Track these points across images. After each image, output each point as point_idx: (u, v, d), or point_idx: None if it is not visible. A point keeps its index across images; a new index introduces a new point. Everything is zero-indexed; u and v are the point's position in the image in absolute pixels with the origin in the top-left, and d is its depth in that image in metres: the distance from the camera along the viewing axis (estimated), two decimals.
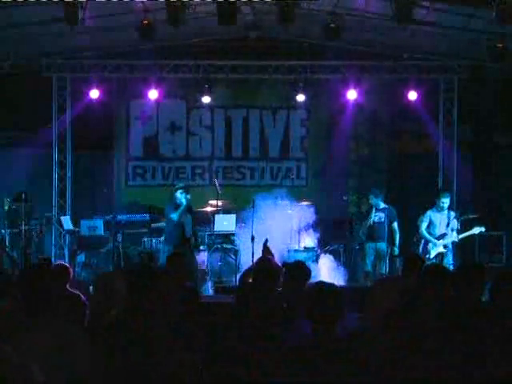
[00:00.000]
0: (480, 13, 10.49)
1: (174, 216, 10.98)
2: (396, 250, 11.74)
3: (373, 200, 11.68)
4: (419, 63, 13.98)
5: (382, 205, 11.71)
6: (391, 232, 11.62)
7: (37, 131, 14.02)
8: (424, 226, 11.59)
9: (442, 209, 11.57)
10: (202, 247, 12.09)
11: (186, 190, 11.22)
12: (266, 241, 7.11)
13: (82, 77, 14.12)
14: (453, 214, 11.73)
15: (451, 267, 11.35)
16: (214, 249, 11.90)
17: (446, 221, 11.56)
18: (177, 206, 11.08)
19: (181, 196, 11.09)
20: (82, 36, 12.34)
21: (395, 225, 11.66)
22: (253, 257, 10.57)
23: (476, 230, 11.66)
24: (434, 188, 13.59)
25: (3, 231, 12.46)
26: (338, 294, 4.03)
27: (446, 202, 11.57)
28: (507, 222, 13.81)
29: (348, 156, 14.89)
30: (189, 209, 11.18)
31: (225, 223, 12.18)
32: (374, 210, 11.63)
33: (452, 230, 11.54)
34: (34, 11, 10.79)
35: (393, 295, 5.62)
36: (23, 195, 12.56)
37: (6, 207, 12.68)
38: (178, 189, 11.21)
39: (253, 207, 11.22)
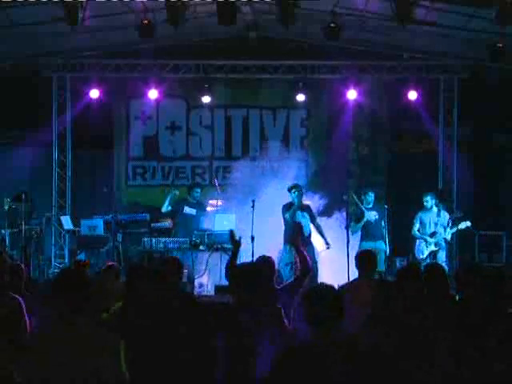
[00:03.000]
0: (480, 13, 10.49)
1: (287, 216, 11.19)
2: (387, 250, 11.75)
3: (365, 198, 11.69)
4: (419, 63, 14.00)
5: (372, 204, 11.72)
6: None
7: (37, 131, 14.02)
8: (416, 227, 11.76)
9: (426, 208, 11.71)
10: (201, 247, 12.07)
11: (298, 188, 11.32)
12: (232, 232, 6.94)
13: (81, 77, 14.14)
14: (443, 212, 11.84)
15: (444, 264, 11.42)
16: (213, 249, 11.88)
17: (436, 219, 11.69)
18: (290, 206, 11.25)
19: (293, 195, 11.27)
20: (82, 36, 12.35)
21: (383, 222, 11.65)
22: (253, 257, 10.57)
23: (462, 225, 11.77)
24: (434, 188, 13.59)
25: (3, 231, 12.45)
26: (336, 297, 3.96)
27: (428, 200, 11.72)
28: (507, 222, 13.81)
29: (348, 156, 14.88)
30: (303, 207, 11.32)
31: (225, 223, 12.15)
32: (365, 210, 11.63)
33: (444, 228, 11.65)
34: (34, 11, 10.79)
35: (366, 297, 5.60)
36: (23, 195, 12.55)
37: (6, 207, 12.68)
38: (290, 188, 11.35)
39: (252, 207, 11.20)
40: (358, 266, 6.85)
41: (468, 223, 11.77)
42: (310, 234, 11.29)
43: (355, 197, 11.88)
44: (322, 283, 4.12)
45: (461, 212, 12.44)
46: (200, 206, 12.48)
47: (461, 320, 4.69)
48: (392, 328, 4.68)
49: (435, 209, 11.78)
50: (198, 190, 12.50)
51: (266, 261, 6.10)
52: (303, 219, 11.26)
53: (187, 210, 12.36)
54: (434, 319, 4.79)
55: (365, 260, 6.87)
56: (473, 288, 5.13)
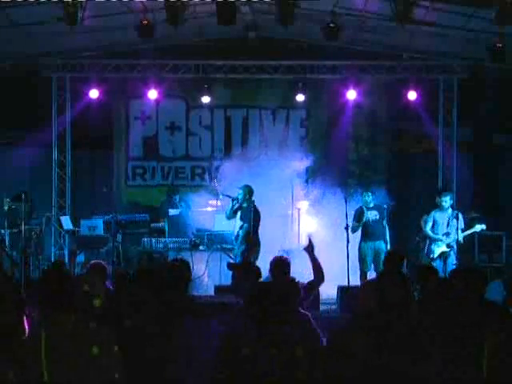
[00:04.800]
0: (480, 13, 10.48)
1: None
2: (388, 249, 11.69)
3: (366, 197, 11.65)
4: (419, 63, 13.99)
5: (373, 203, 11.67)
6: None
7: (37, 131, 14.02)
8: (429, 225, 11.60)
9: (443, 208, 11.57)
10: (201, 247, 12.10)
11: (240, 190, 11.59)
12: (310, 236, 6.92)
13: (81, 77, 14.14)
14: (460, 214, 11.72)
15: (454, 267, 11.32)
16: (213, 249, 11.89)
17: (450, 220, 11.56)
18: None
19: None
20: (81, 36, 12.33)
21: (384, 222, 11.62)
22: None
23: (477, 228, 11.69)
24: (434, 188, 13.59)
25: (3, 231, 12.44)
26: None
27: (446, 201, 11.56)
28: (507, 221, 13.80)
29: (347, 156, 14.87)
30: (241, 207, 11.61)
31: (224, 223, 12.18)
32: (365, 210, 11.59)
33: (456, 229, 11.52)
34: (34, 11, 10.79)
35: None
36: (23, 195, 12.53)
37: (6, 207, 12.66)
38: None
39: (253, 207, 11.21)
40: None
41: (483, 226, 11.70)
42: (237, 235, 11.58)
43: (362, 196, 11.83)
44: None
45: (476, 212, 12.34)
46: (184, 204, 12.69)
47: (457, 318, 4.68)
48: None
49: (450, 210, 11.65)
50: (177, 197, 13.03)
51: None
52: (239, 220, 11.60)
53: (171, 211, 12.59)
54: (428, 318, 4.78)
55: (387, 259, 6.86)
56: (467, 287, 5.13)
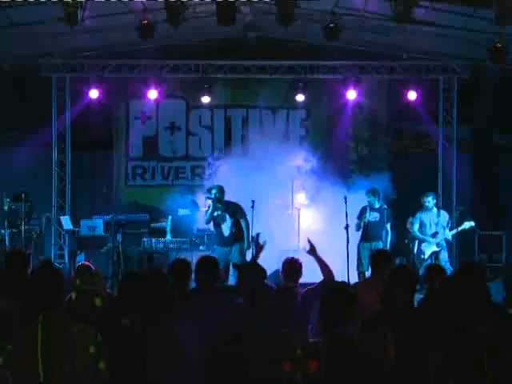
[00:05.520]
0: (480, 13, 10.49)
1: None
2: None
3: (371, 198, 11.67)
4: (419, 63, 14.00)
5: (378, 204, 11.68)
6: (384, 233, 11.60)
7: (37, 131, 14.02)
8: (416, 227, 11.70)
9: (427, 208, 11.64)
10: (201, 247, 12.10)
11: (214, 190, 11.04)
12: (258, 235, 6.94)
13: (81, 77, 14.14)
14: (443, 212, 11.82)
15: (447, 264, 11.42)
16: (213, 249, 11.89)
17: (436, 220, 11.63)
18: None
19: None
20: (81, 36, 12.35)
21: (388, 226, 11.63)
22: (252, 257, 10.55)
23: (466, 226, 11.73)
24: (433, 188, 13.59)
25: (3, 231, 12.45)
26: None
27: (429, 201, 11.65)
28: (507, 221, 13.81)
29: (348, 156, 14.88)
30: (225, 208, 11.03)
31: None
32: (368, 210, 11.61)
33: (444, 228, 11.60)
34: (34, 11, 10.79)
35: (374, 296, 5.59)
36: (23, 195, 12.55)
37: (6, 207, 12.68)
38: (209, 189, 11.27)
39: (252, 207, 11.19)
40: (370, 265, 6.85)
41: (472, 223, 11.75)
42: (232, 233, 10.88)
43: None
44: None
45: (460, 207, 12.41)
46: (191, 203, 12.66)
47: (460, 317, 4.68)
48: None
49: (435, 209, 11.75)
50: (189, 197, 12.85)
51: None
52: (222, 220, 11.00)
53: (181, 211, 12.52)
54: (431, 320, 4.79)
55: (376, 259, 6.83)
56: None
